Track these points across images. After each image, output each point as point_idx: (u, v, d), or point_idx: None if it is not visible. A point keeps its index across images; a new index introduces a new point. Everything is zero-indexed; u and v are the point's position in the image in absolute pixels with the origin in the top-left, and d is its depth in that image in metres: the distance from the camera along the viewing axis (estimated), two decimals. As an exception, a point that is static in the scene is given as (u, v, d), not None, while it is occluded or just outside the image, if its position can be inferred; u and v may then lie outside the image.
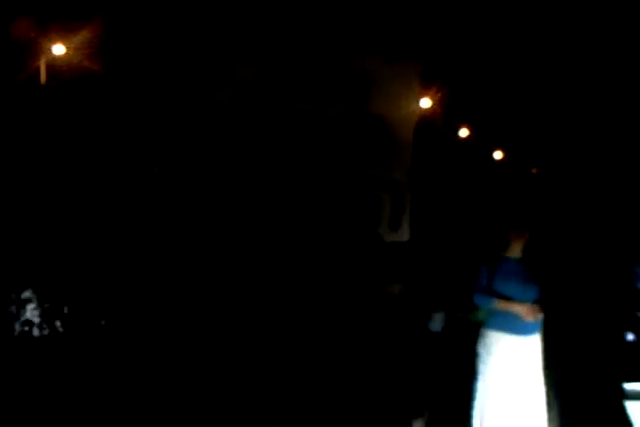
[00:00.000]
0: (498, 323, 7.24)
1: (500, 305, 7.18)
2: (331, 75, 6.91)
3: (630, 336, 7.32)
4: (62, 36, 18.40)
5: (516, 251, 7.44)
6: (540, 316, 7.17)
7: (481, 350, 7.28)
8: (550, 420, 7.14)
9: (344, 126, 6.95)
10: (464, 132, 28.71)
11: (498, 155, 30.29)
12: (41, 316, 8.27)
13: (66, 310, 8.41)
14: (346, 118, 6.94)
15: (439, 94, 24.38)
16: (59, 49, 18.63)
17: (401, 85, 6.98)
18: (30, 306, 8.29)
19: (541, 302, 7.19)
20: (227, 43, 7.04)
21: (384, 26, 6.92)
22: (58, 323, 8.27)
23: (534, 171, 26.20)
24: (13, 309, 8.13)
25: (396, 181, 7.05)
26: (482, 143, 28.60)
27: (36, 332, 8.10)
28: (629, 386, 6.86)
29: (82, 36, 18.18)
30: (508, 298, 7.20)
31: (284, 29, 6.90)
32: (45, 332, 8.15)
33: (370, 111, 6.99)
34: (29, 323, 8.16)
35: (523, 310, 7.12)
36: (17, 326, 8.01)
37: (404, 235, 7.52)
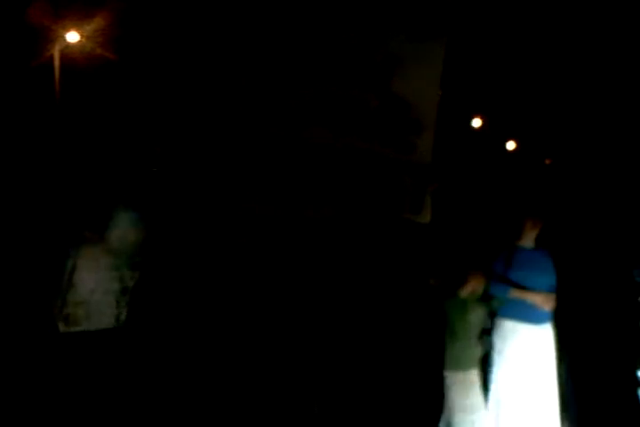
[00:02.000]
0: (513, 312, 7.21)
1: (516, 294, 7.15)
2: (354, 55, 6.85)
3: None
4: (76, 23, 18.40)
5: (530, 240, 7.42)
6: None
7: (495, 339, 7.26)
8: (564, 408, 7.12)
9: (366, 108, 6.90)
10: (477, 122, 28.63)
11: (511, 145, 30.21)
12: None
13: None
14: (368, 99, 6.90)
15: (451, 84, 24.29)
16: (73, 36, 18.62)
17: (425, 66, 6.93)
18: None
19: (555, 291, 7.17)
20: (244, 31, 7.01)
21: (410, 4, 6.87)
22: None
23: (548, 162, 26.15)
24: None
25: (417, 164, 7.00)
26: (495, 133, 28.52)
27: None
28: None
29: (96, 24, 18.19)
30: (523, 287, 7.18)
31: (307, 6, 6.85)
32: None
33: (392, 92, 6.94)
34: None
35: (538, 299, 7.10)
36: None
37: (426, 217, 7.46)
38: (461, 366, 6.95)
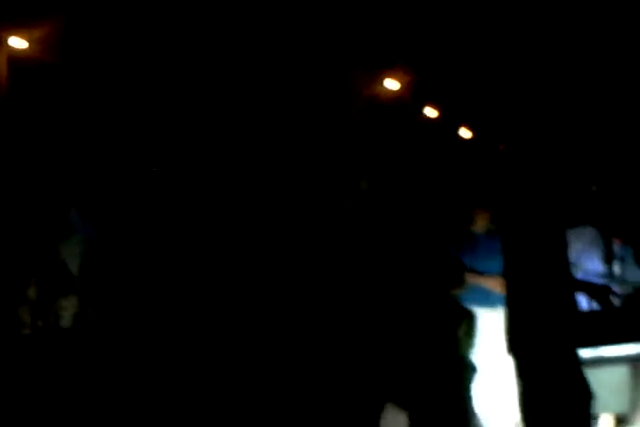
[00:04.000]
0: (469, 298, 7.29)
1: (470, 279, 7.24)
2: None
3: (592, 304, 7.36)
4: (23, 29, 18.26)
5: (482, 225, 7.55)
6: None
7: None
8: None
9: None
10: (430, 112, 28.73)
11: (465, 133, 30.40)
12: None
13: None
14: None
15: (403, 72, 24.40)
16: (19, 43, 18.47)
17: None
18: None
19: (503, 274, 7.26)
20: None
21: None
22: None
23: (501, 147, 26.30)
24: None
25: None
26: (448, 121, 28.68)
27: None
28: (588, 352, 6.87)
29: (44, 30, 18.08)
30: (477, 272, 7.28)
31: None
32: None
33: None
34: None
35: (491, 283, 7.19)
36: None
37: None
38: None
